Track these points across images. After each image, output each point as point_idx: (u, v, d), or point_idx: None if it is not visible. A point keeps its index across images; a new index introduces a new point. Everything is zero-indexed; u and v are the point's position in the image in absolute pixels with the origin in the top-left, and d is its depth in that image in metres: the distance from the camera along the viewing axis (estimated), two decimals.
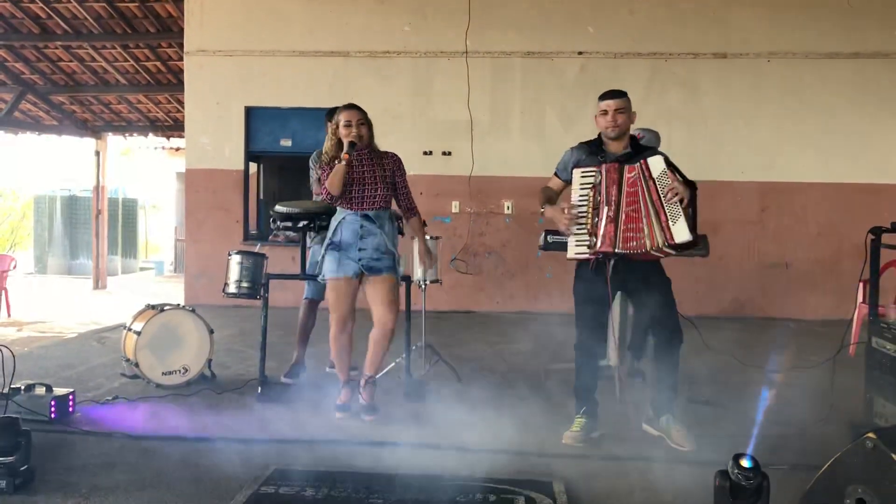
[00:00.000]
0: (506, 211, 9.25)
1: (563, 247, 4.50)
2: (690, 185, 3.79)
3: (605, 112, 3.97)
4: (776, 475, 2.90)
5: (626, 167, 3.83)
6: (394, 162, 4.42)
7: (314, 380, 5.29)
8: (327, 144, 4.40)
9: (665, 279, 3.99)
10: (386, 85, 9.17)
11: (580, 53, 9.17)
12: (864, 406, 4.26)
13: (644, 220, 3.78)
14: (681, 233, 3.73)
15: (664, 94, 9.00)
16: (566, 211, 3.94)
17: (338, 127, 4.32)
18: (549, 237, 5.09)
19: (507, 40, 9.20)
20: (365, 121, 4.33)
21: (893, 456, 2.62)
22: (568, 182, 4.06)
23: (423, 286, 5.29)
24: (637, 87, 8.41)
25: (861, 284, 5.70)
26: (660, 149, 5.08)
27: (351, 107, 4.37)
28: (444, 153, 9.06)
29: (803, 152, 9.04)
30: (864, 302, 5.65)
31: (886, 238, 4.31)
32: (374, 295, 4.32)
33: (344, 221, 4.32)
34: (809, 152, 9.03)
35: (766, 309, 8.90)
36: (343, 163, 4.22)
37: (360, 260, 4.28)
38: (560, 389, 4.80)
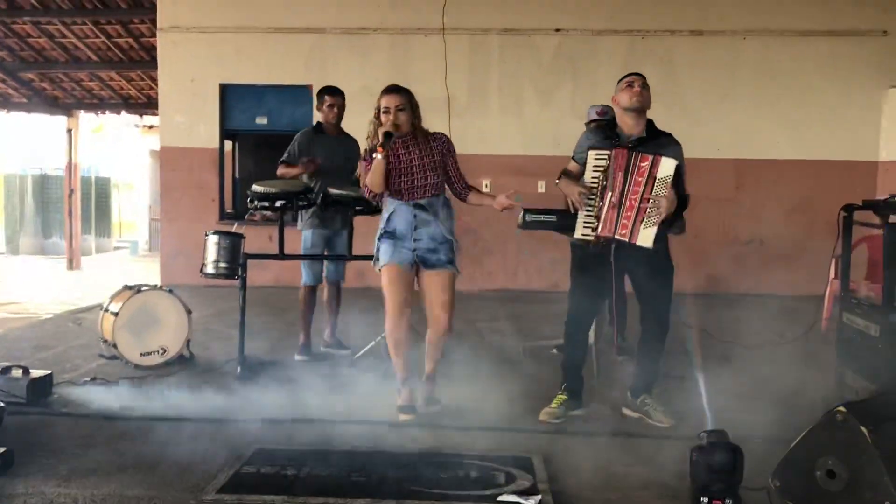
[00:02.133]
0: (484, 189, 9.25)
1: (542, 226, 4.54)
2: (682, 203, 3.88)
3: (630, 84, 3.96)
4: (750, 448, 2.97)
5: (640, 155, 3.84)
6: (442, 144, 4.11)
7: (291, 360, 5.31)
8: (369, 129, 4.08)
9: (668, 266, 4.01)
10: (363, 62, 9.11)
11: (557, 31, 9.16)
12: (835, 380, 4.36)
13: (633, 211, 3.83)
14: (645, 240, 3.83)
15: (641, 72, 9.01)
16: (580, 187, 3.93)
17: (378, 113, 4.03)
18: (527, 216, 5.11)
19: (484, 17, 9.15)
20: (405, 106, 4.01)
21: (862, 429, 2.69)
22: (584, 165, 4.02)
23: None
24: (614, 64, 8.42)
25: (833, 261, 5.79)
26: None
27: (390, 90, 4.06)
28: None
29: (778, 129, 9.12)
30: (835, 278, 5.74)
31: (859, 215, 4.38)
32: (429, 292, 4.06)
33: (396, 213, 4.06)
34: (784, 129, 9.12)
35: (741, 285, 9.00)
36: (380, 157, 3.93)
37: (414, 250, 4.02)
38: (538, 366, 4.86)
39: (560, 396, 4.06)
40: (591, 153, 3.95)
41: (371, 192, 4.06)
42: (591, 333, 5.00)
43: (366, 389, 4.46)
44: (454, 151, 4.16)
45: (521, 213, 5.08)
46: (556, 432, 3.84)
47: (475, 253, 9.30)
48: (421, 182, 4.05)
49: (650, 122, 4.02)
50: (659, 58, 9.10)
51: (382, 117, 4.01)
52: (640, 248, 3.86)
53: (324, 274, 5.52)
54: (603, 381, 4.69)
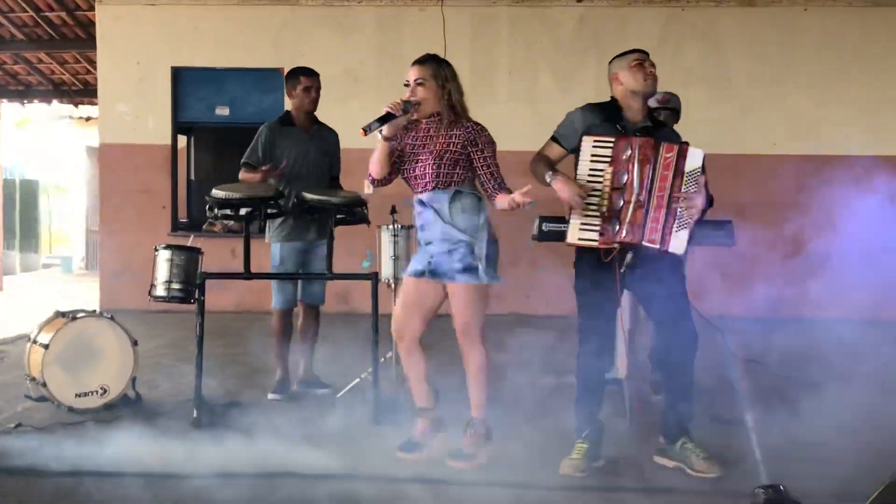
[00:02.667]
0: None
1: (561, 237, 4.55)
2: (709, 200, 3.93)
3: (640, 63, 4.03)
4: None
5: (665, 145, 3.89)
6: (467, 132, 4.14)
7: (257, 402, 5.32)
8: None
9: (680, 275, 4.06)
10: (345, 41, 9.16)
11: (579, 1, 9.22)
12: None
13: (662, 211, 3.86)
14: (678, 245, 3.86)
15: (680, 51, 9.09)
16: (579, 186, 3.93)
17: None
18: (544, 225, 5.12)
19: None
20: (427, 79, 4.12)
21: None
22: (571, 151, 4.07)
23: (393, 284, 5.32)
24: (648, 42, 8.43)
25: None
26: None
27: (415, 61, 4.21)
28: None
29: (848, 119, 9.15)
30: None
31: None
32: (453, 311, 4.18)
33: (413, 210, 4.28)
34: (855, 119, 9.14)
35: (805, 307, 8.99)
36: (384, 141, 4.10)
37: (430, 256, 4.14)
38: (557, 408, 4.86)
39: (580, 445, 4.07)
40: (589, 140, 3.97)
41: (371, 176, 4.24)
42: (623, 366, 5.02)
43: (350, 437, 4.45)
44: (486, 146, 4.17)
45: (536, 222, 5.10)
46: (581, 488, 3.84)
47: None
48: (421, 171, 4.13)
49: (648, 108, 4.14)
50: (701, 33, 9.16)
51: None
52: (654, 257, 3.90)
53: (299, 295, 5.53)
54: (635, 423, 4.69)
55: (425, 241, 4.17)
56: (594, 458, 4.07)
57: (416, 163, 4.15)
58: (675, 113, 5.38)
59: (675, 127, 4.62)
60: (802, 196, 9.20)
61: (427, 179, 4.11)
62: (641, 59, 4.05)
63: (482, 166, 4.16)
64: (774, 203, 9.09)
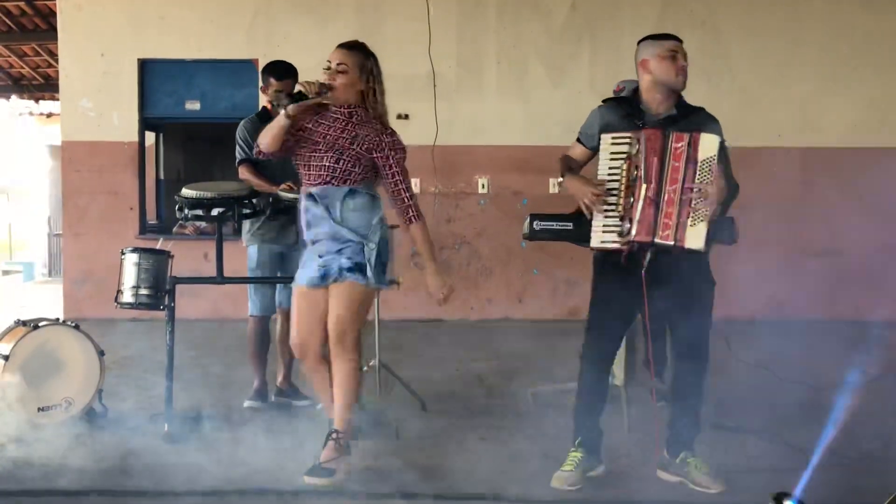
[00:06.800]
0: (480, 190, 9.30)
1: (554, 236, 4.56)
2: (732, 190, 3.93)
3: (672, 55, 3.99)
4: None
5: (674, 135, 3.89)
6: (375, 134, 4.08)
7: (233, 415, 5.31)
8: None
9: (710, 283, 4.07)
10: (322, 29, 9.13)
11: None
12: None
13: (675, 206, 3.87)
14: (695, 239, 3.86)
15: (679, 38, 9.10)
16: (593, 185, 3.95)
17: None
18: (536, 223, 5.14)
19: None
20: (351, 67, 4.06)
21: None
22: (595, 151, 4.07)
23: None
24: (644, 28, 8.44)
25: None
26: None
27: (344, 45, 4.17)
28: (399, 116, 9.04)
29: (856, 109, 9.17)
30: None
31: None
32: (329, 313, 4.13)
33: (302, 206, 4.22)
34: (864, 109, 9.16)
35: (813, 309, 9.03)
36: (282, 112, 3.97)
37: (319, 258, 4.11)
38: (550, 417, 4.87)
39: (574, 454, 4.07)
40: (606, 138, 3.98)
41: (258, 149, 4.15)
42: (621, 373, 5.04)
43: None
44: (392, 152, 4.10)
45: (528, 221, 5.11)
46: (573, 501, 3.85)
47: (470, 273, 9.34)
48: (316, 162, 4.09)
49: (680, 97, 4.09)
50: (700, 20, 9.18)
51: (323, 75, 4.08)
52: (678, 258, 3.90)
53: (277, 301, 5.53)
54: (635, 434, 4.71)
55: (311, 240, 4.15)
56: (589, 469, 4.08)
57: (314, 152, 4.09)
58: (630, 98, 5.37)
59: None
60: (808, 191, 9.26)
61: (324, 172, 4.06)
62: (675, 51, 4.01)
63: (388, 176, 4.12)
64: (780, 198, 9.12)
